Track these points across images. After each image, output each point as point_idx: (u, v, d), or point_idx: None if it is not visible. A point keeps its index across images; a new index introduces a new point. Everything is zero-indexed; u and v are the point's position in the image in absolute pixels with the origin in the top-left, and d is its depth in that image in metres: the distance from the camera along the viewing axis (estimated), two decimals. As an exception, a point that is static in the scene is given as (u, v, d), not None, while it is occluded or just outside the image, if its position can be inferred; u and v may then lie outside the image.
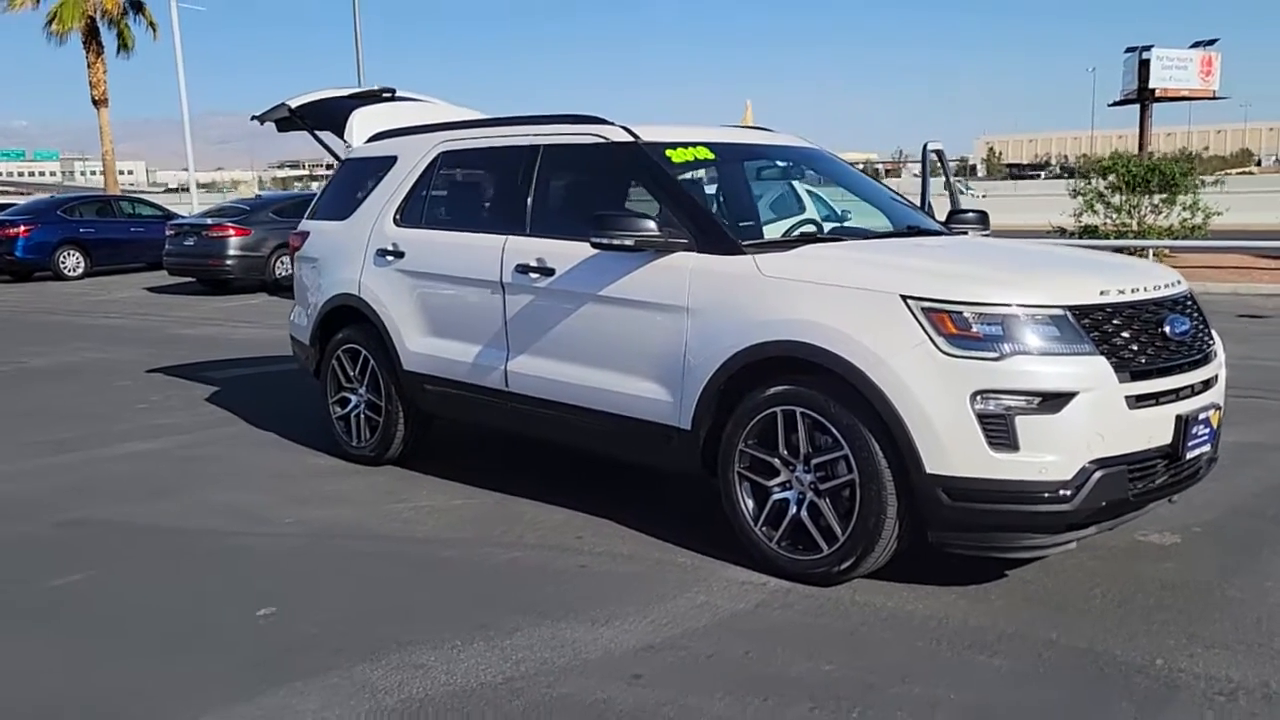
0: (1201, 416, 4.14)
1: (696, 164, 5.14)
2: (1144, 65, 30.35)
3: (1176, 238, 16.88)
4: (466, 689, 3.38)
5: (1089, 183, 18.09)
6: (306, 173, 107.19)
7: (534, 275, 5.09)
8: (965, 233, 5.54)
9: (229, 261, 16.63)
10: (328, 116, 6.98)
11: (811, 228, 5.56)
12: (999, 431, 3.78)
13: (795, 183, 6.81)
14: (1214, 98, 33.27)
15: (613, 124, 5.19)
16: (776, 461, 4.28)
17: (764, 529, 4.33)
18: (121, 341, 11.87)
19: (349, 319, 6.23)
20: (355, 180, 6.55)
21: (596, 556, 4.59)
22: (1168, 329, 4.10)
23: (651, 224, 4.54)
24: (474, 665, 3.54)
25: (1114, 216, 17.68)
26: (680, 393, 4.54)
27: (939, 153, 6.61)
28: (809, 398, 4.13)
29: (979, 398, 3.79)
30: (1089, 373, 3.82)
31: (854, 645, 3.67)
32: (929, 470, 3.84)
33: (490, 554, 4.69)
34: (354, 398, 6.22)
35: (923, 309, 3.90)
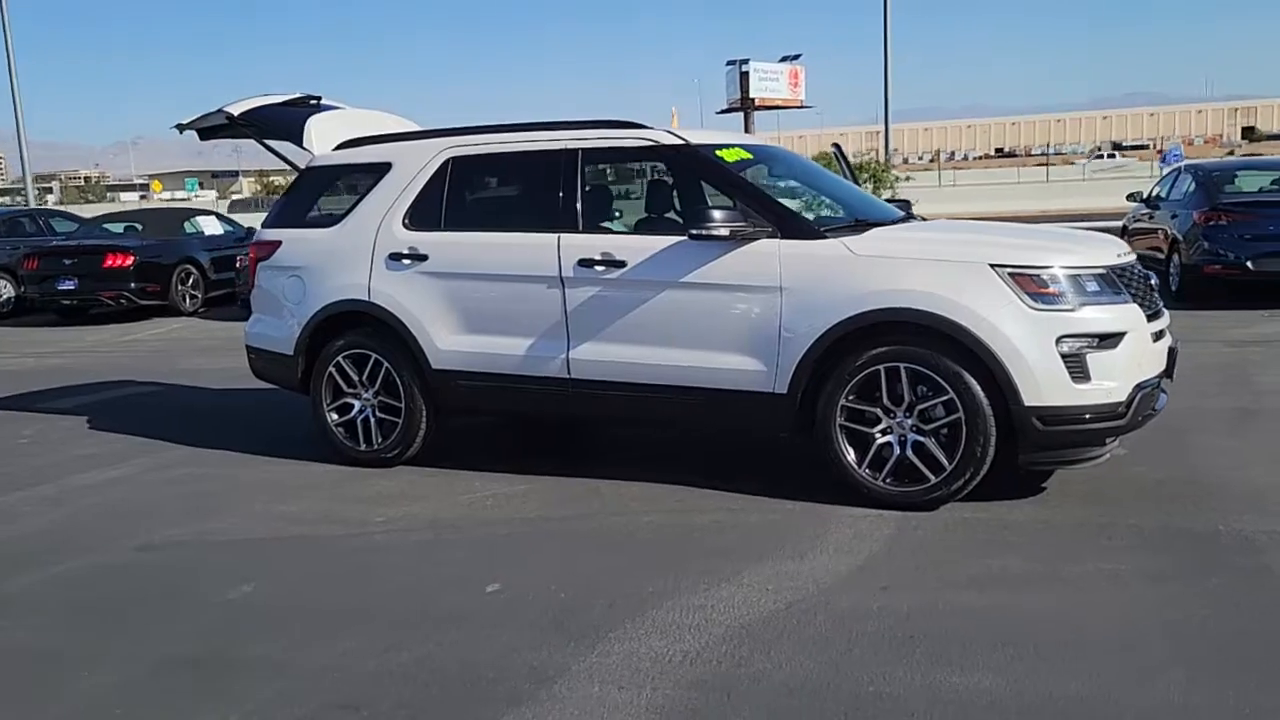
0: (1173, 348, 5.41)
1: (743, 163, 5.79)
2: (744, 77, 33.99)
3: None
4: (759, 619, 3.88)
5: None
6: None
7: (600, 268, 5.54)
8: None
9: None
10: (273, 124, 6.89)
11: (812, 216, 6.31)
12: (1077, 367, 4.80)
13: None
14: (801, 106, 37.78)
15: (654, 128, 5.74)
16: (879, 411, 5.07)
17: (868, 471, 5.10)
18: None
19: (349, 324, 6.29)
20: (334, 187, 6.59)
21: (718, 513, 5.15)
22: (1152, 283, 5.34)
23: (740, 217, 5.19)
24: (743, 602, 4.04)
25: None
26: (776, 362, 5.21)
27: (838, 148, 7.67)
28: (914, 353, 4.95)
29: (1061, 341, 4.79)
30: (1131, 316, 4.94)
31: (997, 544, 4.55)
32: (1026, 403, 4.79)
33: (617, 523, 5.12)
34: (358, 403, 6.29)
35: (1008, 274, 4.85)
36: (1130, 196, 14.63)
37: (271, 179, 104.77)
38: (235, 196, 70.87)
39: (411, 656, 3.71)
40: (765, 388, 5.25)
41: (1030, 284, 4.84)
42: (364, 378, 6.26)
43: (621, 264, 5.50)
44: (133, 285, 14.71)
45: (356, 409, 6.30)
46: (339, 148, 6.63)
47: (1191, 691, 3.23)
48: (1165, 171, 14.72)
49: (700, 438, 6.58)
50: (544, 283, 5.69)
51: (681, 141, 5.64)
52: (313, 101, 7.18)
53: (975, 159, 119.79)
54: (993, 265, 4.89)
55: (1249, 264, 11.16)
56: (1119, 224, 14.69)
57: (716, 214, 5.18)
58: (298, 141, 6.69)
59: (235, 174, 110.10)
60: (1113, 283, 4.98)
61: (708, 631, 3.79)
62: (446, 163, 6.11)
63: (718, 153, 5.67)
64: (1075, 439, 4.92)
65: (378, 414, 6.25)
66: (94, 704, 3.49)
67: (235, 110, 6.78)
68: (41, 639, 4.05)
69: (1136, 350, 4.94)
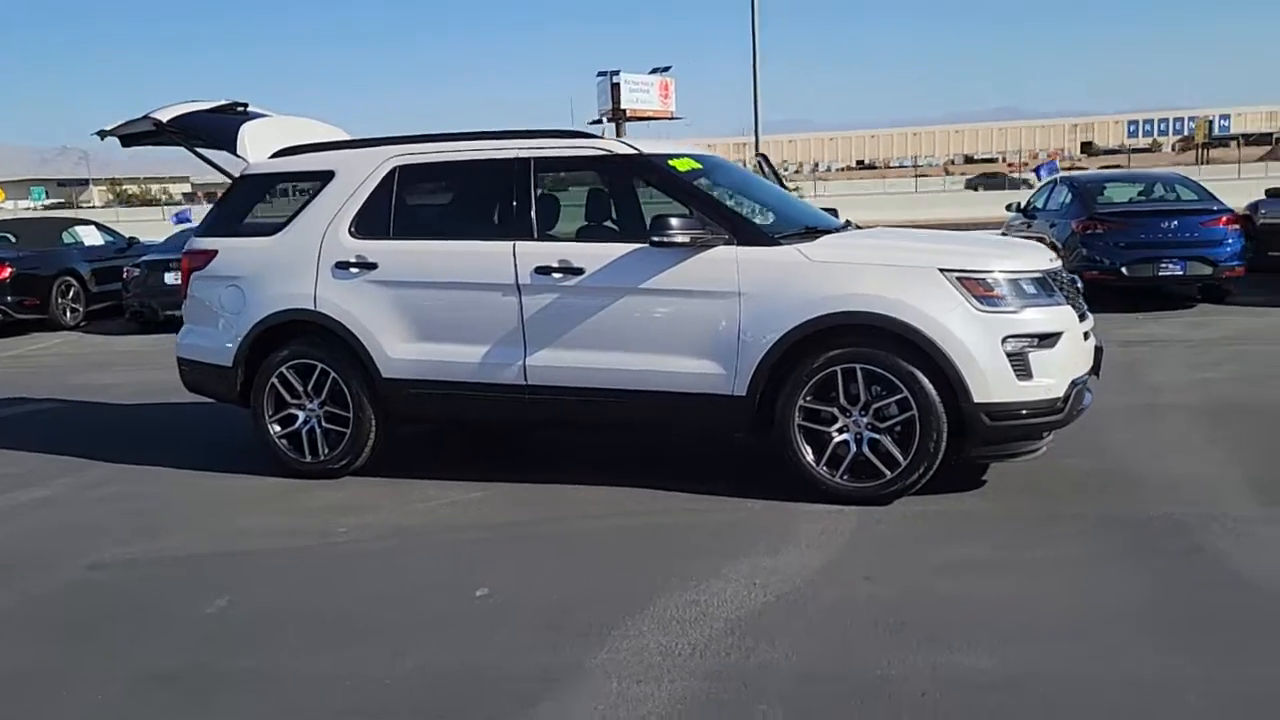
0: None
1: (694, 173, 5.94)
2: (615, 88, 34.56)
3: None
4: (753, 612, 4.02)
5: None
6: None
7: (557, 275, 5.61)
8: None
9: None
10: (204, 130, 6.75)
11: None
12: (1020, 365, 5.10)
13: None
14: (672, 118, 38.55)
15: (604, 138, 5.86)
16: (835, 411, 5.28)
17: (825, 469, 5.30)
18: None
19: (293, 335, 6.21)
20: (270, 195, 6.50)
21: (681, 514, 5.28)
22: (1078, 285, 5.70)
23: (698, 224, 5.35)
24: (733, 597, 4.17)
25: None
26: (735, 365, 5.37)
27: (764, 158, 7.91)
28: (869, 355, 5.17)
29: (1006, 341, 5.08)
30: (1066, 317, 5.28)
31: (959, 534, 4.80)
32: (976, 400, 5.06)
33: (584, 526, 5.21)
34: (302, 414, 6.21)
35: (956, 278, 5.12)
36: (1009, 207, 15.37)
37: (124, 188, 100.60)
38: (86, 205, 67.98)
39: (416, 663, 3.73)
40: (724, 390, 5.41)
41: (977, 287, 5.12)
42: (309, 388, 6.18)
43: (579, 271, 5.59)
44: (9, 299, 14.04)
45: (301, 420, 6.22)
46: (275, 155, 6.53)
47: (1158, 665, 3.49)
48: (1040, 183, 15.48)
49: (651, 441, 6.69)
50: (499, 290, 5.74)
51: (635, 151, 5.77)
52: (239, 109, 7.07)
53: (839, 170, 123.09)
54: (942, 270, 5.15)
55: (1123, 270, 11.87)
56: (998, 232, 15.38)
57: (675, 221, 5.31)
58: (231, 149, 6.57)
59: (85, 183, 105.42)
60: (1047, 286, 5.30)
61: (707, 625, 3.91)
62: (393, 171, 6.10)
63: (670, 162, 5.81)
64: (1019, 433, 5.22)
65: (324, 424, 6.17)
66: (93, 723, 3.41)
67: (164, 117, 6.62)
68: (9, 659, 3.92)
69: (1071, 349, 5.27)
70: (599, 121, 36.18)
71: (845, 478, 5.28)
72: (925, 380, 5.09)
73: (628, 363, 5.55)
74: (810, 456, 5.31)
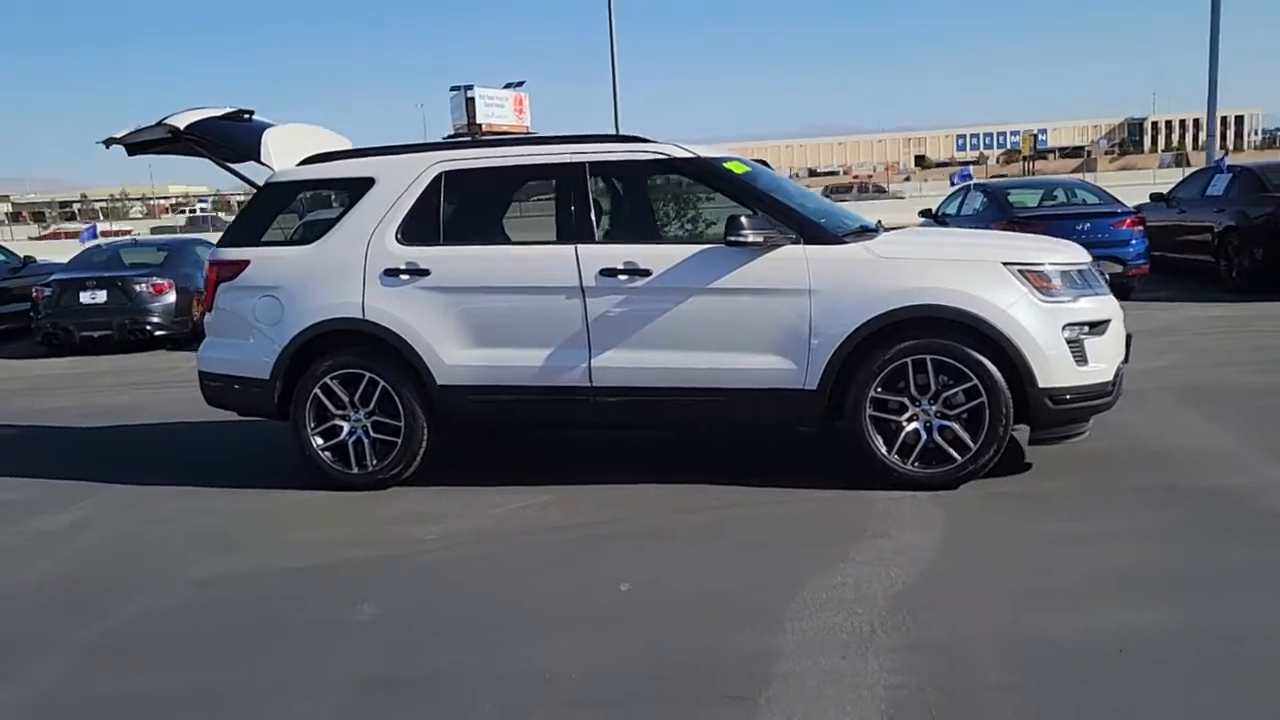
0: None
1: (748, 175, 6.09)
2: (470, 103, 34.55)
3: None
4: (907, 589, 4.19)
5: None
6: None
7: (623, 277, 5.70)
8: None
9: None
10: (223, 138, 6.55)
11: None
12: (1078, 351, 5.45)
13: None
14: (527, 132, 38.84)
15: (658, 142, 5.97)
16: (905, 400, 5.52)
17: (896, 457, 5.54)
18: None
19: (336, 344, 6.11)
20: (297, 204, 6.35)
21: (764, 506, 5.42)
22: (1106, 277, 6.10)
23: (766, 224, 5.52)
24: (880, 576, 4.32)
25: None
26: (806, 359, 5.55)
27: (764, 164, 8.12)
28: (940, 345, 5.43)
29: (1066, 329, 5.42)
30: (1112, 305, 5.66)
31: (1045, 511, 5.10)
32: (1040, 385, 5.38)
33: (680, 520, 5.28)
34: (347, 425, 6.11)
35: (1019, 271, 5.44)
36: (922, 213, 16.06)
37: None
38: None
39: (615, 654, 3.76)
40: (795, 385, 5.58)
41: (1038, 280, 5.44)
42: (355, 398, 6.07)
43: (646, 272, 5.68)
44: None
45: (346, 431, 6.10)
46: (304, 163, 6.39)
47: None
48: (953, 189, 16.25)
49: (677, 440, 6.80)
50: (562, 293, 5.77)
51: (694, 155, 5.90)
52: (246, 115, 6.88)
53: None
54: (1005, 263, 5.45)
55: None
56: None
57: (747, 221, 5.47)
58: (254, 156, 6.40)
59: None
60: (1093, 277, 5.67)
61: (871, 604, 4.07)
62: (439, 177, 6.06)
63: (726, 165, 5.97)
64: (1075, 416, 5.56)
65: (371, 434, 6.07)
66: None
67: (180, 123, 6.40)
68: (185, 679, 3.78)
69: (1117, 336, 5.65)
70: (453, 136, 35.98)
71: (916, 464, 5.52)
72: (994, 368, 5.37)
73: (697, 361, 5.66)
74: (881, 445, 5.53)
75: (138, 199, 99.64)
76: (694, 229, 6.22)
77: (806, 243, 5.60)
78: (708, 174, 5.93)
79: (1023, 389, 5.39)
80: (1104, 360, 5.53)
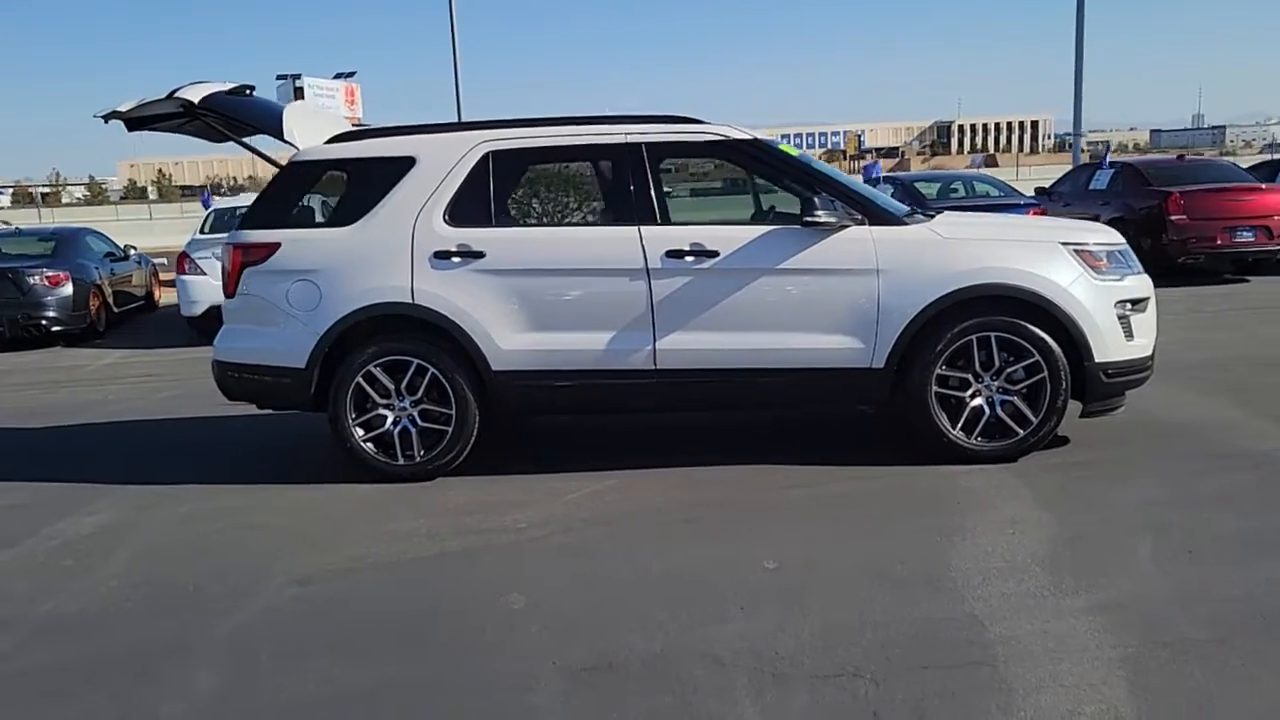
0: None
1: (804, 158, 6.12)
2: (298, 92, 33.73)
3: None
4: (1053, 554, 4.32)
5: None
6: None
7: (690, 259, 5.65)
8: None
9: None
10: (240, 113, 6.16)
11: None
12: (1126, 327, 5.73)
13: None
14: (359, 124, 38.07)
15: (714, 124, 5.94)
16: (970, 377, 5.68)
17: (961, 432, 5.69)
18: None
19: (378, 331, 5.84)
20: (321, 183, 6.06)
21: (848, 483, 5.47)
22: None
23: (833, 205, 5.59)
24: (1015, 545, 4.43)
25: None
26: (874, 338, 5.64)
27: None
28: (1004, 323, 5.61)
29: (1117, 306, 5.69)
30: (1149, 284, 5.96)
31: (1124, 478, 5.34)
32: (1097, 359, 5.63)
33: (770, 498, 5.28)
34: (391, 414, 5.86)
35: (1073, 251, 5.68)
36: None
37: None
38: None
39: (818, 628, 3.73)
40: (863, 363, 5.66)
41: (1091, 259, 5.69)
42: (402, 386, 5.82)
43: (714, 253, 5.65)
44: None
45: (390, 420, 5.84)
46: (332, 141, 6.08)
47: None
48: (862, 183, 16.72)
49: (721, 422, 6.79)
50: (626, 275, 5.68)
51: (752, 136, 5.90)
52: (247, 91, 6.49)
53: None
54: (1062, 244, 5.67)
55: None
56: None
57: (820, 202, 5.52)
58: (275, 133, 6.05)
59: None
60: (1130, 257, 5.96)
61: (1029, 571, 4.17)
62: (486, 157, 5.87)
63: (781, 147, 5.99)
64: (1121, 388, 5.83)
65: (422, 424, 5.84)
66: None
67: (193, 97, 5.99)
68: (376, 676, 3.55)
69: (1153, 312, 5.96)
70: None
71: (980, 439, 5.68)
72: (1054, 344, 5.58)
73: (765, 342, 5.67)
74: (946, 421, 5.67)
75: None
76: (755, 210, 6.20)
77: (871, 224, 5.68)
78: (767, 155, 5.93)
79: (1080, 364, 5.62)
80: (1146, 335, 5.82)
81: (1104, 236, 5.92)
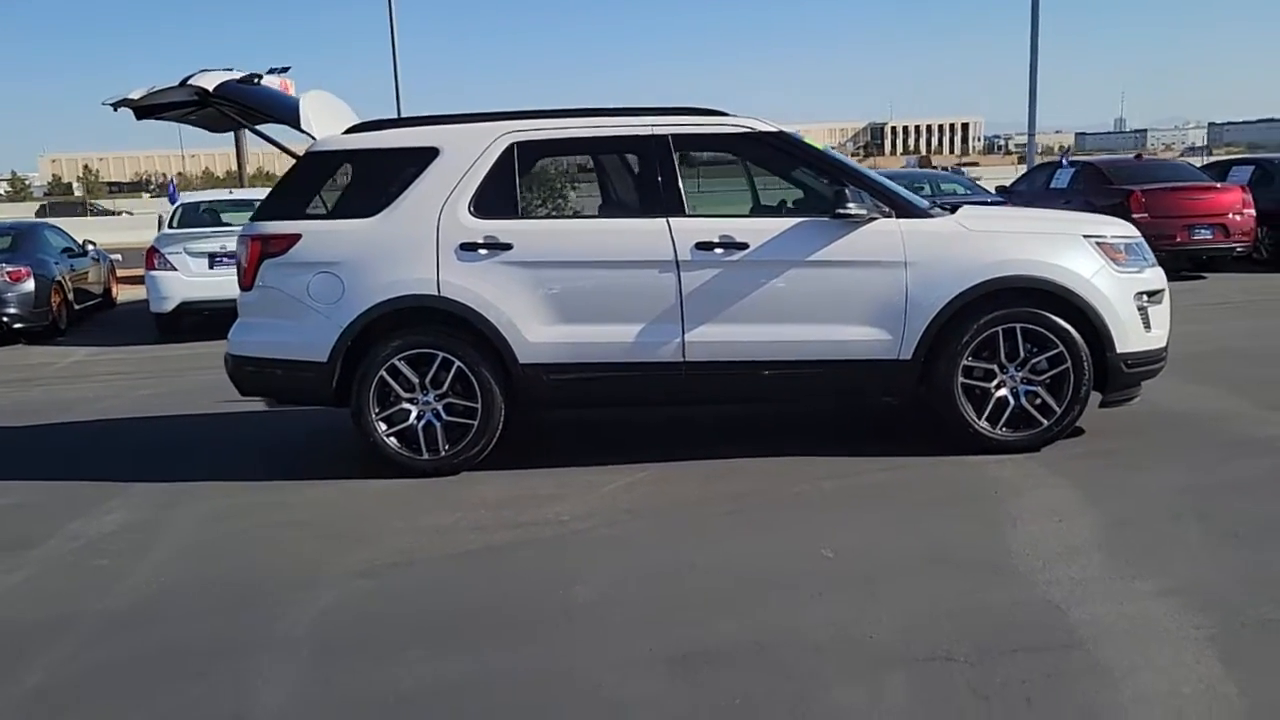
0: None
1: (830, 151, 6.15)
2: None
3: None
4: (1107, 539, 4.38)
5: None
6: None
7: (720, 251, 5.65)
8: None
9: None
10: (255, 101, 6.02)
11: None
12: (1144, 318, 5.84)
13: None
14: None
15: (740, 116, 5.95)
16: (995, 368, 5.75)
17: (985, 423, 5.76)
18: None
19: (402, 324, 5.76)
20: (339, 174, 5.96)
21: (878, 474, 5.50)
22: None
23: (862, 198, 5.63)
24: (1068, 532, 4.50)
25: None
26: (902, 330, 5.68)
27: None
28: (1029, 314, 5.69)
29: (1137, 297, 5.80)
30: (1164, 276, 6.09)
31: (1152, 466, 5.45)
32: (1118, 350, 5.73)
33: (806, 490, 5.29)
34: (415, 408, 5.78)
35: (1095, 243, 5.78)
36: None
37: None
38: None
39: (897, 614, 3.74)
40: (891, 355, 5.70)
41: (1112, 251, 5.80)
42: (427, 380, 5.74)
43: (743, 246, 5.65)
44: None
45: (414, 415, 5.76)
46: (350, 131, 5.98)
47: None
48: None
49: (738, 414, 6.79)
50: (656, 267, 5.66)
51: (779, 129, 5.91)
52: (255, 80, 6.35)
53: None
54: (1085, 236, 5.77)
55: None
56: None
57: (853, 195, 5.56)
58: (292, 123, 5.93)
59: None
60: (1146, 250, 6.08)
61: (1088, 555, 4.23)
62: (511, 148, 5.81)
63: (807, 140, 6.02)
64: (1139, 379, 5.95)
65: (448, 418, 5.76)
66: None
67: (208, 84, 5.85)
68: (466, 667, 3.49)
69: (1168, 304, 6.09)
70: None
71: (1005, 429, 5.76)
72: (1077, 335, 5.68)
73: (794, 334, 5.69)
74: (972, 413, 5.74)
75: None
76: (784, 202, 6.22)
77: (899, 216, 5.73)
78: (795, 148, 5.95)
79: (1102, 354, 5.72)
80: (1162, 326, 5.94)
81: (1121, 229, 6.03)
